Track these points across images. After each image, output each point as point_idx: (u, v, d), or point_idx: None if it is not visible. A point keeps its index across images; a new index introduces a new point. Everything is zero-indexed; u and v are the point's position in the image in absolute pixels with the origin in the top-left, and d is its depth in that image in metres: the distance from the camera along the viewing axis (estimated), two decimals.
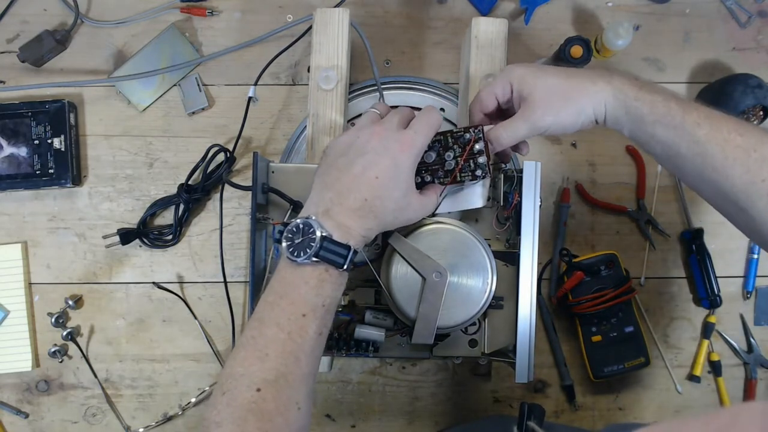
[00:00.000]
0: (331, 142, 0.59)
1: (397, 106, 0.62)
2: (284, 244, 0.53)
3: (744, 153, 0.53)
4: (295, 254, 0.52)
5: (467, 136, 0.60)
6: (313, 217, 0.53)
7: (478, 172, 0.60)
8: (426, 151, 0.59)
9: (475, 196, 0.63)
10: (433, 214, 0.63)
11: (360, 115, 0.81)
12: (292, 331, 0.52)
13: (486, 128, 0.60)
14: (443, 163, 0.60)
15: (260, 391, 0.49)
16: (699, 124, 0.55)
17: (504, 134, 0.60)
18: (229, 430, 0.48)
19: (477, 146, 0.59)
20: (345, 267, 0.53)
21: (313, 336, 0.52)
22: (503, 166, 0.67)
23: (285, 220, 0.65)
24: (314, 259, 0.52)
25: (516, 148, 0.63)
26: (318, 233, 0.52)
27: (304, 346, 0.52)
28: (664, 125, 0.56)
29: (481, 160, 0.59)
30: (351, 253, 0.53)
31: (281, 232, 0.54)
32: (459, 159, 0.60)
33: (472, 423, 0.84)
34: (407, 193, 0.56)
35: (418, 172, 0.59)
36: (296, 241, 0.53)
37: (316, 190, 0.56)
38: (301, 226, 0.53)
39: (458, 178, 0.60)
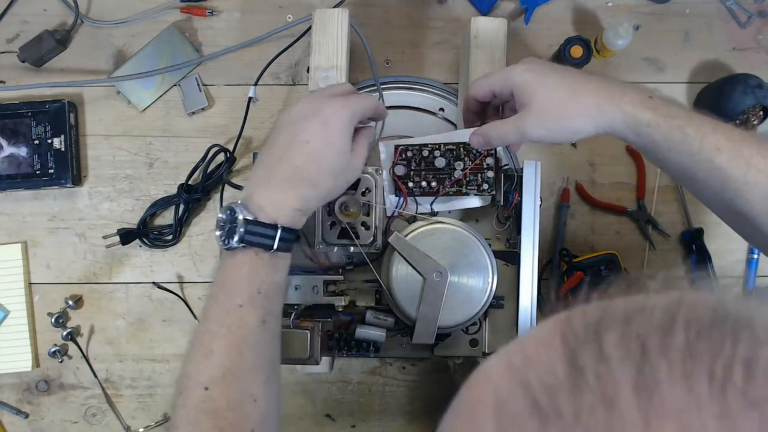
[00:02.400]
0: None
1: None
2: (217, 233, 0.52)
3: (766, 177, 0.50)
4: (225, 242, 0.51)
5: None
6: (239, 201, 0.52)
7: (485, 186, 0.60)
8: (436, 157, 0.60)
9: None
10: (434, 214, 0.63)
11: None
12: (231, 324, 0.50)
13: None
14: (452, 172, 0.61)
15: (208, 389, 0.49)
16: (719, 150, 0.51)
17: (493, 134, 0.58)
18: None
19: (488, 161, 0.60)
20: (275, 248, 0.51)
21: (254, 326, 0.51)
22: (504, 165, 0.67)
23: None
24: (241, 244, 0.51)
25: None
26: (240, 217, 0.51)
27: (247, 338, 0.50)
28: (679, 152, 0.52)
29: (490, 174, 0.60)
30: (279, 231, 0.51)
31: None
32: (467, 170, 0.60)
33: None
34: (344, 153, 0.54)
35: (424, 176, 0.59)
36: (226, 229, 0.52)
37: (251, 173, 0.55)
38: (227, 212, 0.52)
39: (463, 190, 0.61)
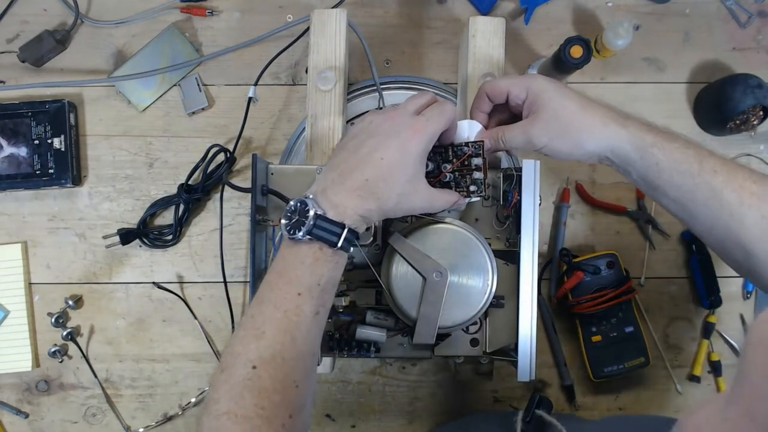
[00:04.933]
0: (348, 129, 0.59)
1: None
2: (283, 222, 0.54)
3: (759, 200, 0.55)
4: (291, 232, 0.53)
5: (465, 149, 0.60)
6: (310, 196, 0.54)
7: (473, 188, 0.60)
8: (426, 160, 0.60)
9: None
10: (433, 214, 0.63)
11: (360, 115, 0.81)
12: (288, 310, 0.52)
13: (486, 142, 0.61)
14: (440, 175, 0.60)
15: (256, 368, 0.50)
16: (716, 172, 0.56)
17: (501, 136, 0.60)
18: (226, 407, 0.49)
19: (475, 161, 0.59)
20: (339, 245, 0.53)
21: (308, 315, 0.53)
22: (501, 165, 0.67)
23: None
24: (308, 237, 0.52)
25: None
26: (312, 211, 0.53)
27: (300, 325, 0.52)
28: (681, 172, 0.57)
29: (477, 175, 0.59)
30: (345, 231, 0.53)
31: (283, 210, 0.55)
32: (456, 173, 0.60)
33: (469, 417, 0.84)
34: (414, 179, 0.56)
35: None
36: (293, 220, 0.54)
37: (323, 171, 0.57)
38: (298, 204, 0.54)
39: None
